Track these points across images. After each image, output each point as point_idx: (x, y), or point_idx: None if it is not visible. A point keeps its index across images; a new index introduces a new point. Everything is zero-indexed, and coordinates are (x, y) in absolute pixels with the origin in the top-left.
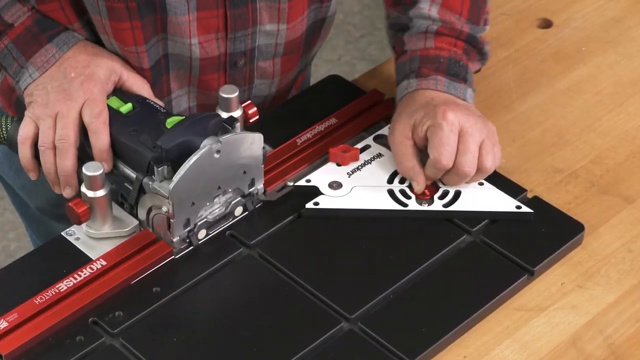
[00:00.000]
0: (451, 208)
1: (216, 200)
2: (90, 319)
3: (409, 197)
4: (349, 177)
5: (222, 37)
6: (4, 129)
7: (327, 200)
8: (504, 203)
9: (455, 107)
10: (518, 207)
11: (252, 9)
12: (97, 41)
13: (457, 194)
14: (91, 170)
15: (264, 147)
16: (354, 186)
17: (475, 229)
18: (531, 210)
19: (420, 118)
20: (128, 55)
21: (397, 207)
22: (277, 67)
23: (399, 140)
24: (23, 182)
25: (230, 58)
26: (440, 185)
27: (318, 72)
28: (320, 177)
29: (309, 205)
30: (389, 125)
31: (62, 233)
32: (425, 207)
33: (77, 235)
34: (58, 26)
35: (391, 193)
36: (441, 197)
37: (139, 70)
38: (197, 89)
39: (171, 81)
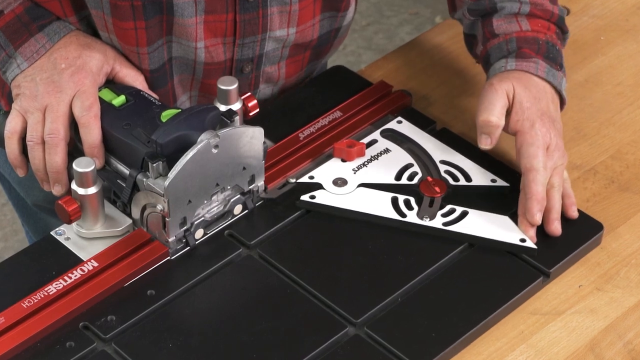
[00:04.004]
0: (450, 228)
1: (214, 198)
2: (81, 324)
3: (411, 209)
4: (355, 173)
5: (230, 42)
6: None
7: (324, 195)
8: (509, 234)
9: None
10: (522, 240)
11: (263, 14)
12: (94, 36)
13: (463, 214)
14: (82, 166)
15: (264, 142)
16: (360, 183)
17: None
18: (535, 247)
19: (516, 113)
20: (128, 54)
21: (395, 216)
22: (282, 71)
23: (498, 93)
24: (19, 176)
25: (236, 64)
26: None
27: None
28: (324, 174)
29: (304, 197)
30: (397, 119)
31: (52, 233)
32: (425, 222)
33: (67, 235)
34: (50, 15)
35: (394, 201)
36: (445, 215)
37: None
38: (199, 92)
39: (176, 87)
